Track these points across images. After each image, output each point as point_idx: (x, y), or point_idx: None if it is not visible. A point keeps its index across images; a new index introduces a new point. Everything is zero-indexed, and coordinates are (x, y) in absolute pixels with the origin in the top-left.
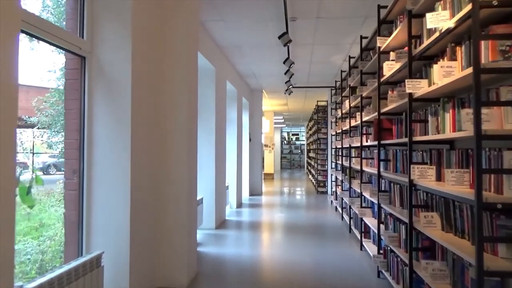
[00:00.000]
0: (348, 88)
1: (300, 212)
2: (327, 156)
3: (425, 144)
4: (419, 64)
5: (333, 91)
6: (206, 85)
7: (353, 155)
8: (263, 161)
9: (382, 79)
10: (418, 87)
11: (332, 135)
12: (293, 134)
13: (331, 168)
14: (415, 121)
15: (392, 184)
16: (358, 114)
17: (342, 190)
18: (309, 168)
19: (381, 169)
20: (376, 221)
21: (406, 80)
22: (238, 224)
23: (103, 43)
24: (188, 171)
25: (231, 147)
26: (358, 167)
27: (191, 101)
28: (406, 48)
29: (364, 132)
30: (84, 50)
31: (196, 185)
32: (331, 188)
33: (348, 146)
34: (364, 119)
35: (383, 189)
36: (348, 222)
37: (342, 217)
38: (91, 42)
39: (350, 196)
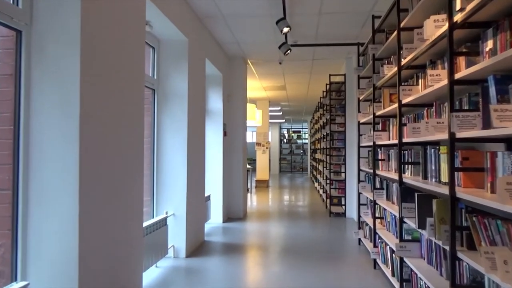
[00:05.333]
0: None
1: (305, 273)
2: (344, 160)
3: None
4: None
5: (361, 48)
6: None
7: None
8: (250, 164)
9: None
10: None
11: (360, 123)
12: (293, 132)
13: (359, 181)
14: None
15: None
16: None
17: (400, 240)
18: (315, 173)
19: None
20: None
21: None
22: None
23: None
24: None
25: (177, 144)
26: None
27: None
28: None
29: None
30: None
31: None
32: (358, 214)
33: (433, 140)
34: None
35: None
36: None
37: None
38: None
39: (441, 273)
